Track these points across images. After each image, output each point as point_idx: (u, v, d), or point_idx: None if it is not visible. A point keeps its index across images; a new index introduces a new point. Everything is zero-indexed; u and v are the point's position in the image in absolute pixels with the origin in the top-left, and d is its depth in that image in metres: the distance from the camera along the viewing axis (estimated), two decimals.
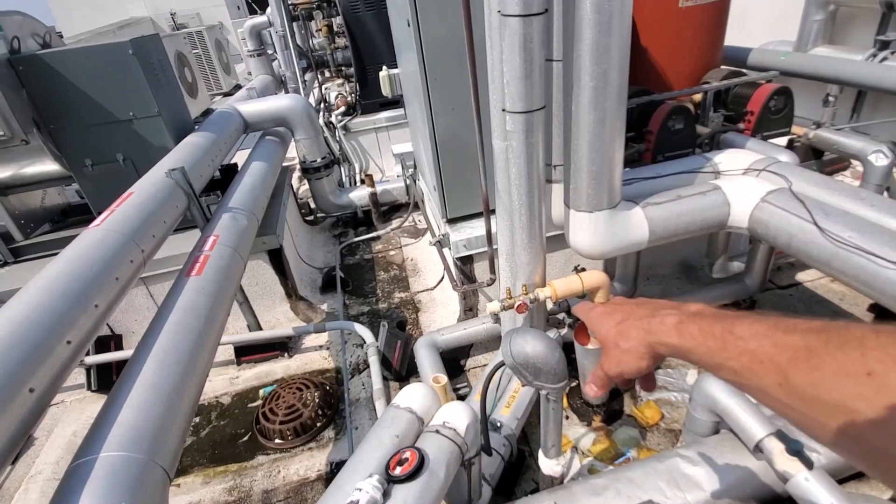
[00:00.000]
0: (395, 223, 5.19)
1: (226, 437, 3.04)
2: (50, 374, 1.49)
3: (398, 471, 1.46)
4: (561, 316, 3.30)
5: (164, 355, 1.87)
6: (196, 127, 3.83)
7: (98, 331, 1.84)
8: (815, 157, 3.57)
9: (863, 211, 2.06)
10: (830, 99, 4.73)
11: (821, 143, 3.37)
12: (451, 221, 3.23)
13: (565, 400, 2.85)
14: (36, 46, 3.50)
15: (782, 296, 3.43)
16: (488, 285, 2.88)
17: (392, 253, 4.78)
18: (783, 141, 3.54)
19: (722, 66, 3.59)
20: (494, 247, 2.55)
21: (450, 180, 3.05)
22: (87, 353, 3.49)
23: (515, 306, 2.20)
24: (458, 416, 1.73)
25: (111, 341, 3.56)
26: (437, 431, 1.66)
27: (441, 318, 3.72)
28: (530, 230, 2.17)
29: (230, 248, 2.64)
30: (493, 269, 2.77)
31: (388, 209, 5.42)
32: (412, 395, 1.84)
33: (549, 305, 2.43)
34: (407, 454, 1.51)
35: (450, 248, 3.14)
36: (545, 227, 2.23)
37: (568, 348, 2.65)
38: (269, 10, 5.96)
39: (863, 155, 3.02)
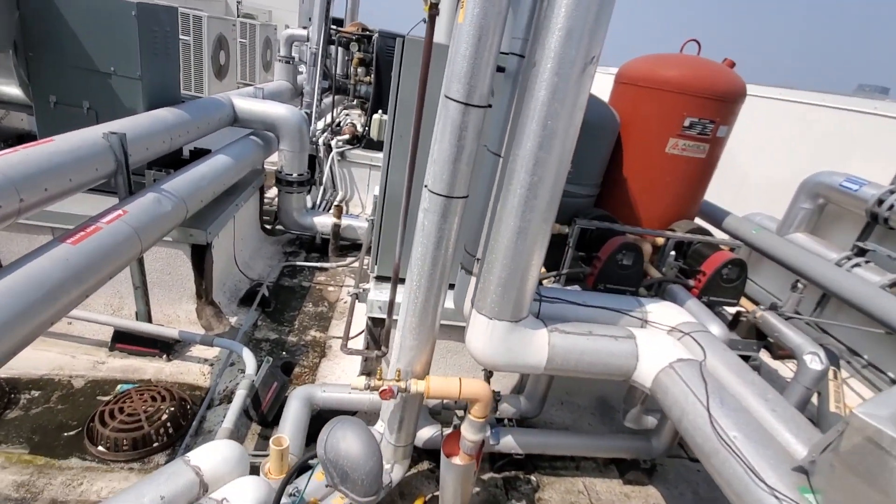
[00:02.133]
0: (349, 260, 5.04)
1: (53, 424, 2.71)
2: None
3: None
4: (461, 413, 3.07)
5: None
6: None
7: None
8: (759, 337, 3.48)
9: (761, 413, 1.92)
10: (799, 286, 4.71)
11: (765, 326, 3.29)
12: (379, 279, 3.09)
13: None
14: None
15: (689, 469, 3.20)
16: (378, 357, 2.68)
17: (331, 289, 4.59)
18: (732, 310, 3.47)
19: (696, 219, 3.59)
20: (395, 317, 2.39)
21: (387, 237, 2.94)
22: None
23: (380, 390, 2.00)
24: (242, 496, 1.49)
25: None
26: None
27: (342, 372, 3.48)
28: (422, 315, 2.01)
29: (131, 227, 2.47)
30: (387, 342, 2.59)
31: (349, 245, 5.28)
32: (210, 454, 1.60)
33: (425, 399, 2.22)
34: None
35: (366, 304, 2.97)
36: (440, 316, 2.07)
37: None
38: (310, 27, 6.17)
39: (798, 353, 2.92)
